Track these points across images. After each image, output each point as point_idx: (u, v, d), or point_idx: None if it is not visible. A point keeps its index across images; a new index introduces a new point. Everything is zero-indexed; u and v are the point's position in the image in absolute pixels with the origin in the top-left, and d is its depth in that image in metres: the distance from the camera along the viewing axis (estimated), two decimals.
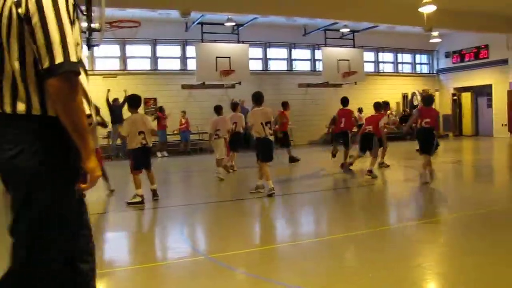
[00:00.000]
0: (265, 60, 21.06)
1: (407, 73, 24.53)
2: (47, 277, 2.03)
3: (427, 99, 9.42)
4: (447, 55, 24.19)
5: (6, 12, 1.91)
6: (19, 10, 1.87)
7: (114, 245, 5.19)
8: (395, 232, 5.36)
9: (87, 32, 10.95)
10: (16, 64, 1.91)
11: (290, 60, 21.63)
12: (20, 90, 1.93)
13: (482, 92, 22.72)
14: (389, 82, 23.38)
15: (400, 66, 24.43)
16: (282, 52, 21.53)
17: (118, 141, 15.84)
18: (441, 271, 3.97)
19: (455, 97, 24.01)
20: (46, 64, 1.86)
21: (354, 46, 21.05)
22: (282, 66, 21.56)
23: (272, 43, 20.87)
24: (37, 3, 1.86)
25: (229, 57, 17.78)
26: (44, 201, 1.96)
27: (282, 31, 20.14)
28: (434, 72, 25.06)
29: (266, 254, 4.68)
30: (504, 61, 21.17)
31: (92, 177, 2.05)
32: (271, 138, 8.02)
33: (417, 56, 24.85)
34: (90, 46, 12.72)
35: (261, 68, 20.87)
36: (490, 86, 21.80)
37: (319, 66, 21.35)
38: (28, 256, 1.98)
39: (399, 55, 24.24)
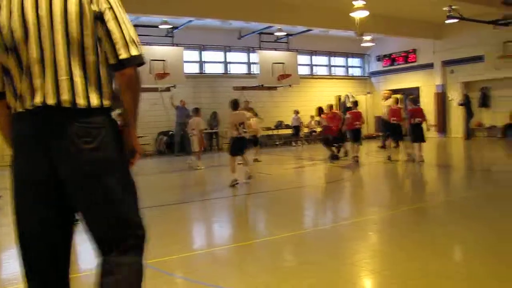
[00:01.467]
0: (201, 63, 20.87)
1: (340, 76, 25.11)
2: (138, 254, 2.19)
3: (415, 100, 13.07)
4: (378, 58, 24.99)
5: (73, 8, 1.94)
6: (93, 7, 1.96)
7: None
8: (330, 231, 5.40)
9: None
10: (91, 59, 1.98)
11: (225, 63, 21.55)
12: (94, 84, 1.99)
13: (411, 94, 23.59)
14: (323, 84, 23.84)
15: (333, 69, 24.97)
16: (218, 55, 21.40)
17: None
18: (374, 268, 4.07)
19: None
20: (123, 55, 2.00)
21: (288, 50, 21.29)
22: (218, 69, 21.44)
23: (208, 46, 20.70)
24: (108, 1, 1.99)
25: (164, 60, 17.44)
26: (125, 184, 2.12)
27: (217, 34, 20.01)
28: (366, 75, 25.82)
29: (204, 258, 4.59)
30: (430, 65, 22.16)
31: (140, 152, 2.25)
32: (246, 136, 9.55)
33: (350, 60, 25.50)
34: None
35: (197, 71, 20.66)
36: (418, 88, 22.69)
37: (255, 69, 21.42)
38: (121, 233, 2.11)
39: (332, 58, 24.77)
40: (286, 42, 21.31)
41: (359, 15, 14.86)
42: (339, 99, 23.80)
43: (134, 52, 2.02)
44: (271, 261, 4.38)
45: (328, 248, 4.69)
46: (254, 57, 21.33)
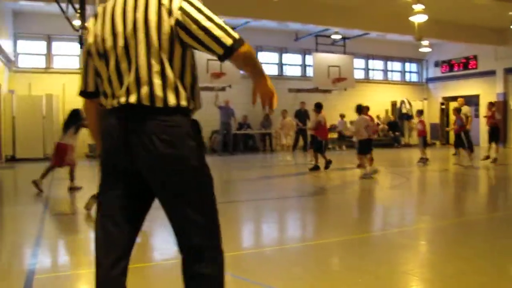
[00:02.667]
0: None
1: (396, 81, 24.75)
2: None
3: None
4: (436, 64, 24.45)
5: (153, 18, 2.16)
6: (171, 19, 2.16)
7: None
8: (380, 239, 5.39)
9: (80, 31, 10.93)
10: (169, 64, 2.19)
11: (281, 65, 21.71)
12: (172, 86, 2.18)
13: (470, 102, 22.91)
14: (379, 89, 23.57)
15: (389, 74, 24.63)
16: (273, 56, 21.61)
17: None
18: (426, 277, 4.02)
19: (443, 106, 24.25)
20: (229, 42, 2.18)
21: (344, 53, 21.19)
22: (273, 70, 21.63)
23: (264, 47, 20.94)
24: (187, 15, 2.17)
25: None
26: (198, 184, 2.23)
27: (273, 36, 20.23)
28: (423, 80, 25.30)
29: (253, 257, 4.68)
30: (492, 72, 21.46)
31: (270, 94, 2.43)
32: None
33: (407, 65, 25.08)
34: (82, 45, 12.67)
35: None
36: (477, 96, 22.03)
37: (310, 72, 21.46)
38: (207, 230, 2.25)
39: (389, 63, 24.45)
40: (343, 45, 21.23)
41: (418, 19, 14.65)
42: (394, 104, 23.46)
43: (234, 36, 2.21)
44: (316, 265, 4.42)
45: (377, 255, 4.67)
46: (309, 59, 21.38)
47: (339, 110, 20.73)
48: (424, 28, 15.75)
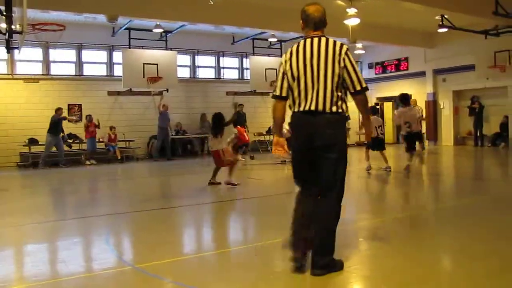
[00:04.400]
0: (193, 67, 20.87)
1: None
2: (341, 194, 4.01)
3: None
4: (370, 66, 25.12)
5: (329, 64, 3.81)
6: (340, 64, 3.81)
7: (35, 258, 4.78)
8: None
9: (7, 34, 10.30)
10: (333, 88, 3.83)
11: (218, 68, 21.57)
12: (335, 100, 3.83)
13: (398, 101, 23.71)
14: None
15: None
16: (211, 60, 21.43)
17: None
18: (366, 274, 4.11)
19: (377, 107, 24.91)
20: (358, 88, 3.87)
21: (281, 55, 21.20)
22: (210, 73, 21.45)
23: (201, 50, 20.72)
24: (347, 62, 3.83)
25: (156, 64, 17.41)
26: (341, 158, 3.92)
27: (210, 39, 20.05)
28: None
29: (194, 263, 4.57)
30: (422, 73, 22.32)
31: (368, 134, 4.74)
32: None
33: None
34: (9, 49, 12.02)
35: (189, 76, 20.66)
36: (410, 96, 22.74)
37: (247, 75, 21.45)
38: (338, 185, 3.94)
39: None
40: (279, 48, 21.37)
41: (351, 22, 14.96)
42: None
43: (363, 85, 3.88)
44: (257, 267, 4.36)
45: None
46: (246, 62, 21.37)
47: None
48: (358, 31, 16.12)
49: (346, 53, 3.81)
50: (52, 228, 6.54)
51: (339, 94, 3.83)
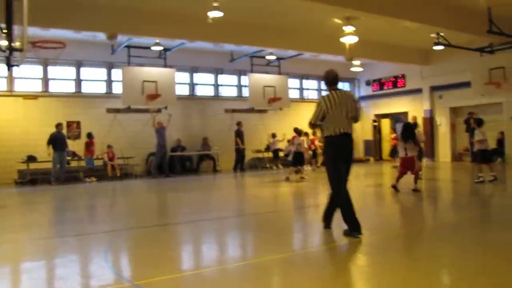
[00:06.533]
0: (192, 85, 21.00)
1: None
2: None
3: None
4: (368, 83, 25.32)
5: (350, 104, 6.34)
6: (354, 108, 6.41)
7: (33, 275, 4.80)
8: (318, 255, 5.40)
9: (8, 51, 10.39)
10: (350, 118, 6.32)
11: (216, 86, 21.71)
12: (351, 126, 6.31)
13: (399, 119, 23.86)
14: (313, 108, 23.92)
15: (323, 93, 25.08)
16: (209, 78, 21.58)
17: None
18: None
19: (375, 123, 25.07)
20: (358, 119, 6.57)
21: (279, 73, 21.50)
22: (209, 91, 21.59)
23: (199, 68, 20.90)
24: (356, 106, 6.51)
25: (155, 81, 17.52)
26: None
27: (209, 57, 20.23)
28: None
29: (193, 279, 4.58)
30: (419, 90, 22.51)
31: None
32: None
33: (340, 84, 25.63)
34: (9, 66, 12.12)
35: (187, 93, 20.77)
36: (406, 113, 22.94)
37: (246, 92, 21.59)
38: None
39: (323, 82, 24.92)
40: (278, 66, 21.55)
41: (349, 40, 15.14)
42: None
43: (360, 119, 6.80)
44: (253, 284, 4.38)
45: (317, 271, 4.69)
46: (245, 80, 21.52)
47: (275, 130, 20.96)
48: (355, 49, 16.29)
49: (353, 99, 6.60)
50: (51, 245, 6.56)
51: (351, 122, 6.33)
